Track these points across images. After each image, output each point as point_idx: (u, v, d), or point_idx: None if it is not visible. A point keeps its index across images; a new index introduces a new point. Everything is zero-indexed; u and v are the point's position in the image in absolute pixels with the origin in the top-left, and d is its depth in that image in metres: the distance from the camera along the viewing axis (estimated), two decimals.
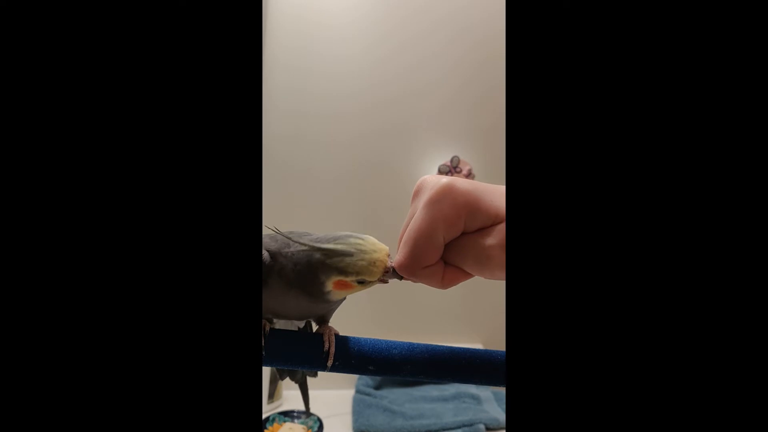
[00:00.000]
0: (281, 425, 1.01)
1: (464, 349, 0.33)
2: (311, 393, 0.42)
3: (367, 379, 1.16)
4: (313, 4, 1.16)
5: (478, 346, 1.22)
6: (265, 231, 0.31)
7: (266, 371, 1.04)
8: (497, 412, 1.07)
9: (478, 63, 1.22)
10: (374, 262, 0.30)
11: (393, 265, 0.30)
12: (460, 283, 0.30)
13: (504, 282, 0.24)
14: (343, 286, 0.31)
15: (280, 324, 0.36)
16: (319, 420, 1.01)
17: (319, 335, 0.32)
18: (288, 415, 1.04)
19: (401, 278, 0.30)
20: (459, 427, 1.00)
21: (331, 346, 0.31)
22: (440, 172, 1.22)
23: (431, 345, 0.33)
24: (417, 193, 0.29)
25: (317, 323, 0.35)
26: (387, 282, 0.31)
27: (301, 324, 0.39)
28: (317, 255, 0.30)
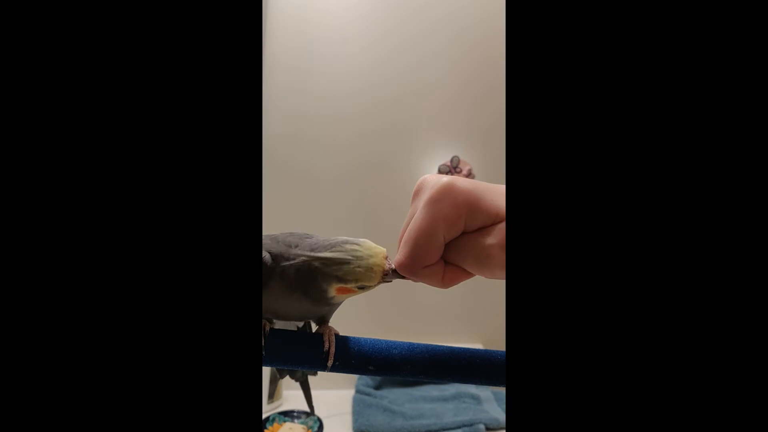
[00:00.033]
0: (281, 425, 1.01)
1: (464, 349, 0.33)
2: (311, 392, 0.42)
3: (367, 379, 1.16)
4: (313, 4, 1.16)
5: (478, 346, 1.22)
6: (265, 232, 0.31)
7: (266, 371, 1.04)
8: (497, 412, 1.07)
9: (478, 63, 1.22)
10: (371, 268, 0.30)
11: (393, 265, 0.30)
12: (460, 283, 0.30)
13: (504, 281, 0.24)
14: (345, 291, 0.31)
15: (279, 324, 0.36)
16: (319, 420, 1.01)
17: (319, 335, 0.32)
18: (288, 415, 1.04)
19: (403, 278, 0.30)
20: (459, 427, 1.00)
21: (331, 346, 0.31)
22: (440, 172, 1.22)
23: (431, 345, 0.33)
24: (417, 193, 0.29)
25: (317, 323, 0.35)
26: (390, 281, 0.31)
27: (300, 324, 0.39)
28: (316, 263, 0.30)
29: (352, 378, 1.17)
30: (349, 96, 1.19)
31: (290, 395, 1.13)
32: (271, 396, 1.08)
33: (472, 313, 1.27)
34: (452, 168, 1.22)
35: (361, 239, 0.31)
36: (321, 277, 0.30)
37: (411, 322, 1.24)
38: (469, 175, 1.23)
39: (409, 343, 0.33)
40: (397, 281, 0.31)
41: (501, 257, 0.26)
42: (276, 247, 0.32)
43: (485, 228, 0.27)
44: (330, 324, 0.34)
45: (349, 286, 0.30)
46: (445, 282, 0.29)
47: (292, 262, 0.30)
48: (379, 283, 0.31)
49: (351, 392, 1.14)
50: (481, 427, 1.01)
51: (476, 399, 1.11)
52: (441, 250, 0.28)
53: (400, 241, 0.29)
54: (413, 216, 0.29)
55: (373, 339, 0.33)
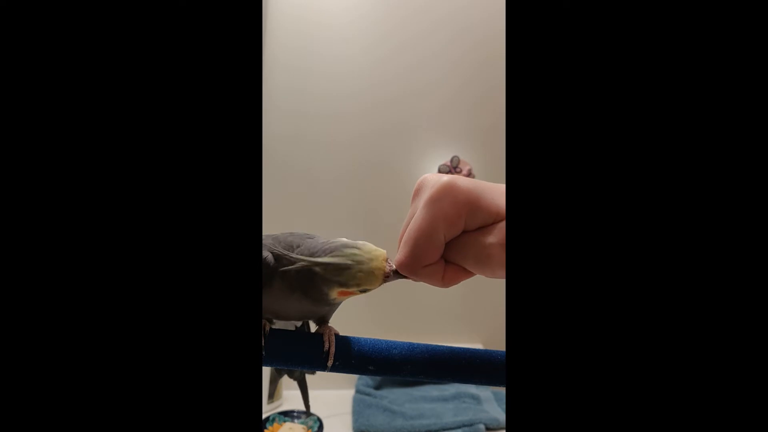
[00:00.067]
0: (281, 425, 1.01)
1: (464, 349, 0.33)
2: (311, 393, 0.42)
3: (367, 379, 1.16)
4: (313, 4, 1.16)
5: (478, 346, 1.22)
6: (265, 231, 0.31)
7: (266, 371, 1.04)
8: (497, 412, 1.07)
9: (478, 63, 1.22)
10: (372, 272, 0.30)
11: (394, 266, 0.30)
12: (461, 283, 0.30)
13: (504, 281, 0.24)
14: (348, 294, 0.31)
15: (278, 323, 0.37)
16: (319, 420, 1.01)
17: (319, 335, 0.32)
18: (288, 415, 1.04)
19: (404, 277, 0.30)
20: (459, 427, 1.00)
21: (331, 346, 0.31)
22: (440, 172, 1.22)
23: (431, 345, 0.33)
24: (417, 192, 0.29)
25: (317, 323, 0.35)
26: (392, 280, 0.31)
27: (299, 323, 0.39)
28: (316, 269, 0.30)
29: (352, 378, 1.17)
30: (349, 96, 1.19)
31: (290, 395, 1.13)
32: (271, 396, 1.08)
33: (472, 313, 1.27)
34: (452, 168, 1.22)
35: (361, 242, 0.31)
36: (322, 281, 0.30)
37: (411, 322, 1.24)
38: (469, 175, 1.23)
39: (409, 343, 0.33)
40: (397, 281, 0.31)
41: (501, 256, 0.26)
42: (277, 248, 0.32)
43: (485, 227, 0.27)
44: (330, 324, 0.34)
45: (350, 290, 0.30)
46: (446, 281, 0.29)
47: (291, 267, 0.30)
48: (381, 284, 0.31)
49: (351, 392, 1.14)
50: (481, 427, 1.01)
51: (476, 399, 1.11)
52: (441, 249, 0.28)
53: (400, 241, 0.29)
54: (413, 215, 0.29)
55: (373, 339, 0.33)
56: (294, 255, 0.30)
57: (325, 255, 0.30)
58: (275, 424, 1.01)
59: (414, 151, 1.23)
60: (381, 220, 1.19)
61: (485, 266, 0.27)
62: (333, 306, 0.33)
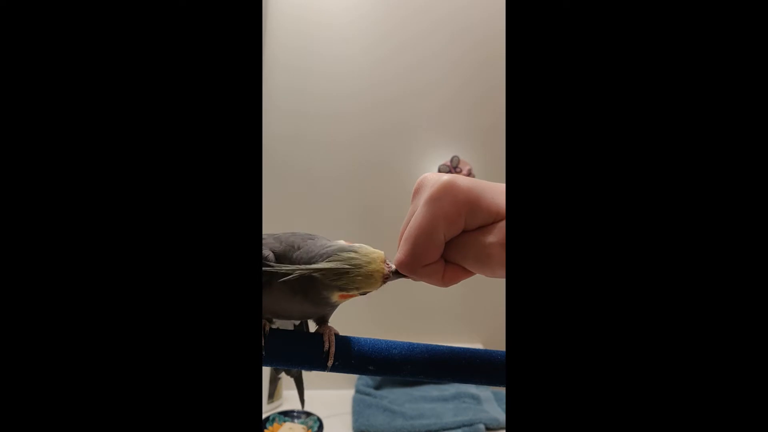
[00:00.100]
0: (281, 425, 1.01)
1: (464, 349, 0.33)
2: (311, 392, 0.42)
3: (367, 379, 1.16)
4: (313, 4, 1.16)
5: (478, 346, 1.22)
6: (265, 231, 0.31)
7: (266, 371, 1.04)
8: (497, 412, 1.07)
9: (478, 63, 1.22)
10: (371, 274, 0.30)
11: (393, 266, 0.30)
12: (460, 283, 0.30)
13: (504, 280, 0.24)
14: (348, 296, 0.31)
15: (277, 322, 0.37)
16: (319, 420, 1.02)
17: (318, 335, 0.32)
18: (288, 415, 1.04)
19: (404, 277, 0.30)
20: (459, 427, 1.00)
21: (331, 346, 0.31)
22: (440, 171, 1.21)
23: (431, 345, 0.33)
24: (417, 191, 0.29)
25: (317, 323, 0.35)
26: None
27: (297, 321, 0.39)
28: (315, 275, 0.30)
29: (352, 378, 1.17)
30: (349, 96, 1.19)
31: (290, 395, 1.13)
32: (271, 396, 1.08)
33: (472, 313, 1.27)
34: (452, 168, 1.22)
35: (357, 245, 0.31)
36: (322, 286, 0.30)
37: (411, 322, 1.24)
38: (469, 174, 1.23)
39: (409, 343, 0.33)
40: (396, 281, 0.31)
41: (501, 256, 0.26)
42: (279, 247, 0.32)
43: (485, 226, 0.27)
44: (330, 324, 0.34)
45: (351, 293, 0.30)
46: (446, 281, 0.29)
47: (290, 277, 0.30)
48: (381, 285, 0.31)
49: (351, 392, 1.14)
50: (481, 427, 1.01)
51: (476, 399, 1.11)
52: (441, 248, 0.28)
53: (400, 240, 0.29)
54: (413, 214, 0.29)
55: (373, 339, 0.33)
56: (289, 267, 0.30)
57: (323, 260, 0.30)
58: (275, 424, 1.01)
59: (414, 151, 1.23)
60: (381, 220, 1.19)
61: (485, 266, 0.27)
62: (334, 306, 0.33)
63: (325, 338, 0.32)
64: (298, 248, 0.32)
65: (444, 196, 0.27)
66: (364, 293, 0.31)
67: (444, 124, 1.24)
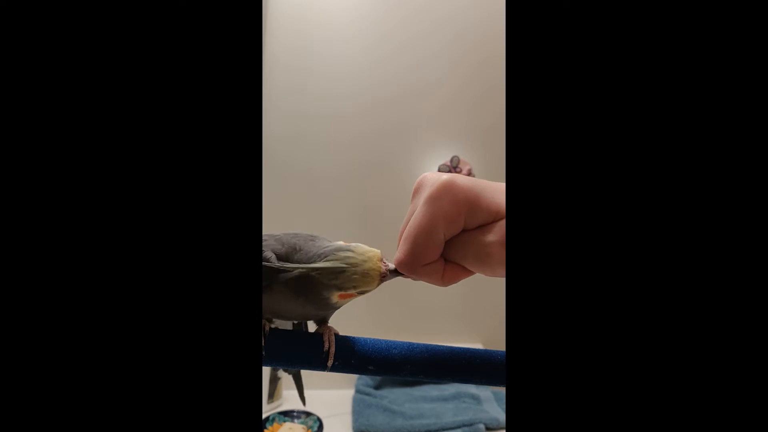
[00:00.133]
0: (281, 425, 1.01)
1: (464, 349, 0.33)
2: (311, 392, 0.42)
3: (366, 379, 1.16)
4: (313, 4, 1.16)
5: (478, 346, 1.22)
6: (265, 232, 0.31)
7: (266, 371, 1.04)
8: (497, 412, 1.07)
9: (478, 63, 1.22)
10: (368, 273, 0.30)
11: (392, 265, 0.30)
12: (460, 282, 0.30)
13: (504, 280, 0.24)
14: (348, 296, 0.31)
15: (276, 322, 0.37)
16: (319, 420, 1.02)
17: (318, 335, 0.32)
18: (288, 415, 1.04)
19: (402, 275, 0.30)
20: (459, 427, 1.00)
21: (331, 346, 0.31)
22: (440, 171, 1.21)
23: (431, 345, 0.33)
24: (417, 190, 0.29)
25: (317, 323, 0.35)
26: (389, 279, 0.31)
27: (296, 321, 0.39)
28: (313, 274, 0.30)
29: (352, 378, 1.17)
30: (349, 96, 1.19)
31: (290, 395, 1.13)
32: (271, 396, 1.08)
33: (472, 313, 1.27)
34: (452, 168, 1.22)
35: (354, 244, 0.31)
36: (321, 286, 0.30)
37: (411, 322, 1.24)
38: (469, 174, 1.23)
39: (409, 343, 0.33)
40: (396, 279, 0.31)
41: (501, 255, 0.26)
42: (281, 249, 0.32)
43: (485, 226, 0.27)
44: (330, 324, 0.34)
45: (349, 292, 0.31)
46: (445, 280, 0.29)
47: (289, 274, 0.30)
48: (378, 284, 0.31)
49: (351, 392, 1.14)
50: (481, 427, 1.01)
51: (476, 399, 1.11)
52: (441, 247, 0.28)
53: (400, 239, 0.29)
54: (413, 213, 0.29)
55: (373, 339, 0.33)
56: (288, 265, 0.31)
57: (320, 260, 0.30)
58: (275, 424, 1.01)
59: (414, 151, 1.23)
60: (381, 220, 1.19)
61: (485, 265, 0.27)
62: (335, 308, 0.33)
63: (325, 338, 0.32)
64: (300, 250, 0.32)
65: (444, 196, 0.27)
66: (363, 292, 0.31)
67: (444, 124, 1.24)
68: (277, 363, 0.32)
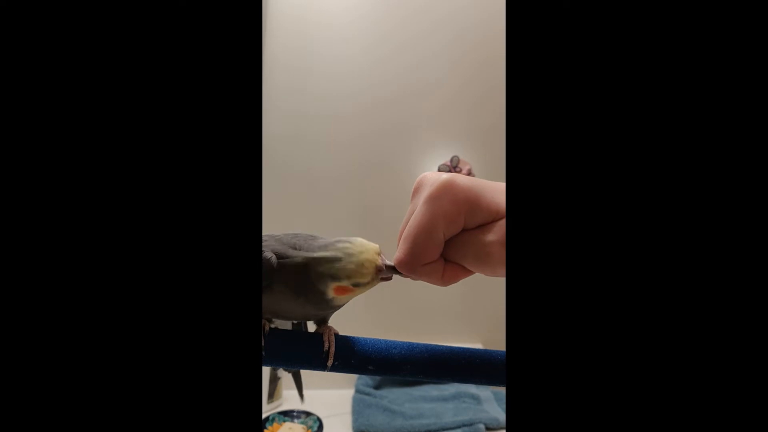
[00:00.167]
0: (281, 425, 1.01)
1: (464, 349, 0.33)
2: (311, 392, 0.42)
3: (366, 379, 1.16)
4: (313, 4, 1.16)
5: (478, 345, 1.22)
6: (265, 232, 0.31)
7: (266, 371, 1.04)
8: (497, 412, 1.07)
9: (478, 63, 1.22)
10: (363, 264, 0.30)
11: (391, 262, 0.30)
12: (460, 282, 0.30)
13: (504, 280, 0.24)
14: (344, 291, 0.31)
15: (276, 322, 0.37)
16: (319, 420, 1.02)
17: (318, 335, 0.32)
18: (288, 414, 1.04)
19: (401, 274, 0.30)
20: (459, 427, 1.00)
21: (330, 346, 0.31)
22: (440, 171, 1.21)
23: (431, 345, 0.33)
24: (417, 190, 0.29)
25: (317, 323, 0.35)
26: (390, 279, 0.31)
27: (296, 321, 0.39)
28: (309, 263, 0.31)
29: (352, 378, 1.17)
30: (349, 96, 1.19)
31: (290, 395, 1.13)
32: (271, 396, 1.08)
33: (471, 313, 1.27)
34: (452, 167, 1.22)
35: (354, 237, 0.31)
36: (315, 276, 0.30)
37: (411, 322, 1.24)
38: (469, 174, 1.23)
39: (409, 342, 0.33)
40: (396, 279, 0.31)
41: (501, 254, 0.26)
42: (280, 248, 0.32)
43: (485, 225, 0.27)
44: (330, 324, 0.34)
45: (343, 284, 0.30)
46: (445, 280, 0.29)
47: (286, 261, 0.31)
48: (375, 279, 0.31)
49: (351, 392, 1.14)
50: (481, 426, 1.01)
51: (476, 399, 1.11)
52: (441, 247, 0.28)
53: (400, 239, 0.29)
54: (413, 213, 0.29)
55: (373, 339, 0.33)
56: (288, 253, 0.31)
57: (319, 251, 0.31)
58: (275, 424, 1.01)
59: (414, 151, 1.23)
60: (381, 220, 1.19)
61: (485, 264, 0.27)
62: (335, 308, 0.33)
63: (325, 338, 0.32)
64: (300, 249, 0.32)
65: (443, 195, 0.27)
66: (357, 284, 0.31)
67: (444, 124, 1.24)
68: (276, 363, 0.32)
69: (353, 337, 0.33)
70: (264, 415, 1.02)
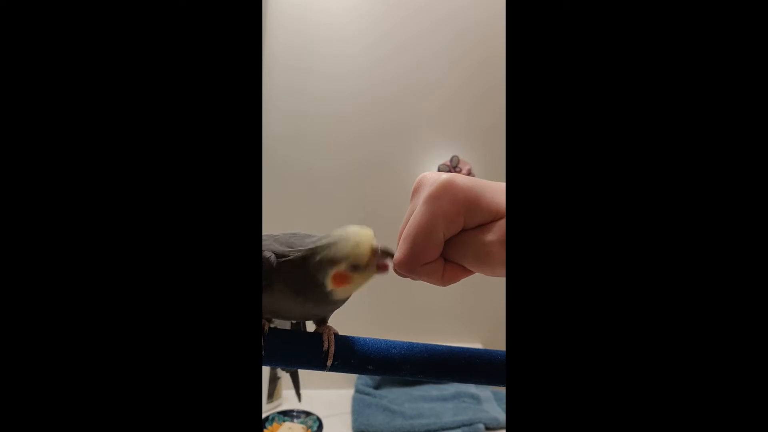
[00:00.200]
0: (281, 425, 1.01)
1: (464, 348, 0.33)
2: (311, 392, 0.42)
3: (366, 379, 1.16)
4: (313, 4, 1.16)
5: (478, 345, 1.22)
6: (265, 232, 0.31)
7: (265, 371, 1.04)
8: (497, 412, 1.07)
9: (478, 63, 1.22)
10: (358, 244, 0.31)
11: (391, 258, 0.30)
12: (460, 282, 0.30)
13: (504, 280, 0.24)
14: (341, 279, 0.31)
15: (275, 322, 0.37)
16: (319, 419, 1.02)
17: (318, 335, 0.32)
18: (287, 414, 1.04)
19: (393, 257, 0.30)
20: (458, 427, 1.00)
21: (330, 346, 0.31)
22: (440, 171, 1.21)
23: (431, 345, 0.33)
24: (416, 190, 0.29)
25: (316, 323, 0.35)
26: (387, 270, 0.31)
27: (295, 321, 0.39)
28: (308, 256, 0.31)
29: (352, 377, 1.17)
30: (349, 96, 1.19)
31: (290, 395, 1.13)
32: (271, 396, 1.08)
33: (471, 313, 1.27)
34: (452, 167, 1.22)
35: (348, 226, 0.32)
36: (314, 267, 0.30)
37: (410, 322, 1.24)
38: (469, 174, 1.23)
39: (409, 342, 0.33)
40: (396, 279, 0.31)
41: (501, 254, 0.26)
42: (279, 248, 0.32)
43: (485, 225, 0.27)
44: (329, 324, 0.34)
45: (341, 268, 0.30)
46: (445, 280, 0.29)
47: (286, 258, 0.31)
48: (372, 263, 0.31)
49: (350, 392, 1.14)
50: (481, 426, 1.01)
51: (476, 399, 1.11)
52: (440, 247, 0.28)
53: (399, 239, 0.29)
54: (412, 213, 0.29)
55: (373, 339, 0.33)
56: (288, 249, 0.32)
57: (315, 243, 0.32)
58: (275, 424, 1.01)
59: (414, 151, 1.23)
60: (381, 220, 1.18)
61: (485, 264, 0.27)
62: (335, 304, 0.33)
63: (325, 338, 0.32)
64: (297, 247, 0.32)
65: (443, 195, 0.27)
66: (355, 267, 0.31)
67: (444, 124, 1.24)
68: (276, 363, 0.32)
69: (353, 337, 0.33)
70: (264, 415, 1.02)
